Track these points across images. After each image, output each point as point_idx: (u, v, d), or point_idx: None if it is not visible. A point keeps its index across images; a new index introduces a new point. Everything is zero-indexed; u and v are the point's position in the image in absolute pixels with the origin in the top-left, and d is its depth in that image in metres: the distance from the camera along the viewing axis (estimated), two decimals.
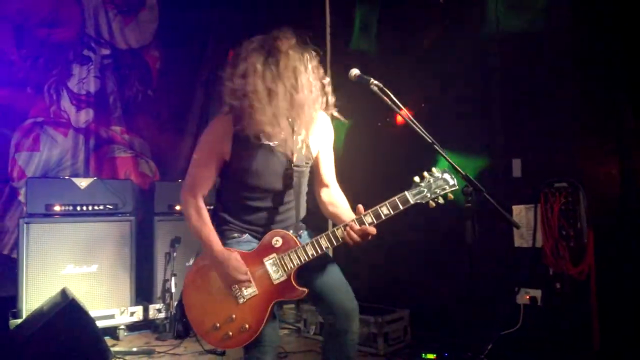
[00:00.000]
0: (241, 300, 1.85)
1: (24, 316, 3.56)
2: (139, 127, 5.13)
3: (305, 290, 1.90)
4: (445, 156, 2.12)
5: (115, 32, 5.07)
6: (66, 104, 4.75)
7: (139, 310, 4.03)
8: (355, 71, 2.13)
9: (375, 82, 2.11)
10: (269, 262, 1.88)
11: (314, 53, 1.93)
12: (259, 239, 1.93)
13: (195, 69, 5.47)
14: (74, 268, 3.86)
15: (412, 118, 2.05)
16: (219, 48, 5.56)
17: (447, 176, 1.86)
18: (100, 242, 3.97)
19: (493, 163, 3.23)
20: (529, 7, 3.13)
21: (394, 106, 2.11)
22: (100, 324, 3.50)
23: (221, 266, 1.85)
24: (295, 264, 1.87)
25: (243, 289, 1.85)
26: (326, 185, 2.09)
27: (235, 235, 1.95)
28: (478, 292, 2.41)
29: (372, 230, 1.83)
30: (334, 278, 2.03)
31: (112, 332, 3.92)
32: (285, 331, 4.06)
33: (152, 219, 4.23)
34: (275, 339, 1.96)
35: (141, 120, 5.15)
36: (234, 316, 1.85)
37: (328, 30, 4.70)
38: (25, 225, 3.72)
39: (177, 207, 4.29)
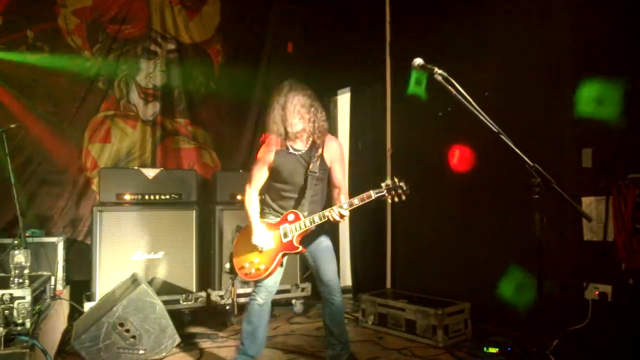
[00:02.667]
0: (261, 250, 2.81)
1: (97, 299, 3.80)
2: (202, 120, 5.30)
3: (302, 248, 2.79)
4: (513, 146, 2.06)
5: (179, 26, 5.25)
6: (135, 97, 4.99)
7: (202, 296, 4.18)
8: (418, 60, 2.12)
9: (440, 71, 2.07)
10: (281, 228, 2.82)
11: (312, 94, 2.80)
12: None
13: (255, 62, 5.57)
14: (142, 254, 4.06)
15: (478, 109, 2.00)
16: (278, 41, 5.65)
17: (403, 184, 2.58)
18: (166, 229, 4.15)
19: (562, 153, 3.07)
20: None
21: (458, 96, 2.06)
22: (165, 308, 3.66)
23: (253, 233, 2.83)
24: (297, 230, 2.77)
25: (264, 245, 2.80)
26: (336, 187, 2.90)
27: (270, 216, 2.91)
28: (544, 286, 2.31)
29: (345, 213, 2.65)
30: (326, 256, 2.89)
31: (178, 316, 4.10)
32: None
33: (215, 208, 4.36)
34: (272, 285, 2.88)
35: (204, 112, 5.32)
36: (256, 260, 2.83)
37: (388, 19, 4.63)
38: (98, 213, 3.95)
39: (238, 197, 4.40)
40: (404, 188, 2.56)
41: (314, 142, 2.79)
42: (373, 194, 2.58)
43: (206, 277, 4.35)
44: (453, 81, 2.07)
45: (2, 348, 2.32)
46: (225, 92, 5.39)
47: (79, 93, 4.71)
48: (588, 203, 2.88)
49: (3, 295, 2.46)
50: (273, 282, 2.87)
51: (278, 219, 2.85)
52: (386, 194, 2.57)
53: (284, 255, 2.81)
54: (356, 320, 4.02)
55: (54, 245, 3.94)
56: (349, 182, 4.90)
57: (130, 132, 4.94)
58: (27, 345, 2.37)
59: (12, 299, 2.46)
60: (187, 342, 3.52)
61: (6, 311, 2.43)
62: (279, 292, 4.30)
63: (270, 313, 2.99)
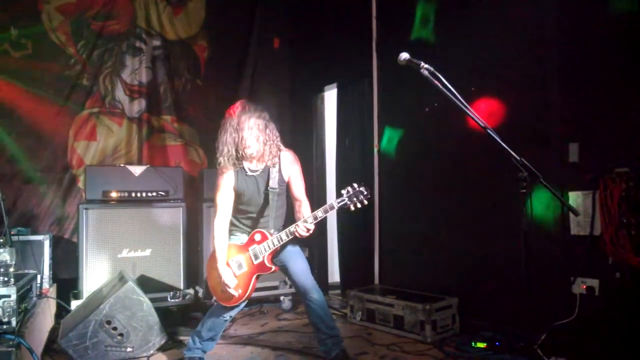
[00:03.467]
0: (237, 274, 2.84)
1: (84, 297, 3.76)
2: (189, 116, 5.25)
3: (275, 267, 2.86)
4: (499, 140, 2.08)
5: (164, 23, 5.20)
6: (120, 94, 4.93)
7: (190, 293, 4.16)
8: (404, 55, 2.13)
9: (426, 65, 2.09)
10: (250, 250, 2.85)
11: (266, 115, 2.84)
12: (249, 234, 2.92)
13: (242, 58, 5.55)
14: (129, 252, 4.02)
15: (465, 104, 2.02)
16: (264, 36, 5.63)
17: (363, 189, 2.64)
18: (153, 227, 4.12)
19: (548, 147, 3.10)
20: None
21: (445, 91, 2.08)
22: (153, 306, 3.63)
23: (220, 272, 2.84)
24: (266, 250, 2.82)
25: (237, 268, 2.85)
26: (297, 200, 2.93)
27: (237, 234, 2.96)
28: (532, 281, 2.34)
29: (311, 227, 2.69)
30: (298, 265, 2.90)
31: (165, 313, 4.07)
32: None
33: (202, 205, 4.34)
34: (242, 303, 2.93)
35: (190, 109, 5.27)
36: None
37: (374, 14, 4.64)
38: (84, 210, 3.91)
39: None
40: (365, 193, 2.61)
41: (269, 160, 2.83)
42: (335, 204, 2.63)
43: (194, 274, 4.32)
44: (440, 76, 2.09)
45: None
46: (211, 89, 5.36)
47: (63, 90, 4.64)
48: (575, 198, 2.91)
49: None
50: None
51: (246, 239, 2.88)
52: (348, 202, 2.61)
53: (258, 277, 2.85)
54: (344, 317, 4.03)
55: (40, 244, 3.89)
56: (337, 179, 4.94)
57: (116, 129, 4.88)
58: (13, 343, 2.33)
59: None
60: (175, 340, 3.50)
61: None
62: (267, 288, 4.38)
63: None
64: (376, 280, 4.49)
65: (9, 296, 2.48)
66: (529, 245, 2.23)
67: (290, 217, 2.99)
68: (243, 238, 2.91)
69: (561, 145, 3.01)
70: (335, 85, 5.12)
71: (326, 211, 2.64)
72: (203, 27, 5.42)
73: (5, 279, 2.55)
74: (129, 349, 3.13)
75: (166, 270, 4.14)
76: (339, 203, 2.62)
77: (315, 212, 2.67)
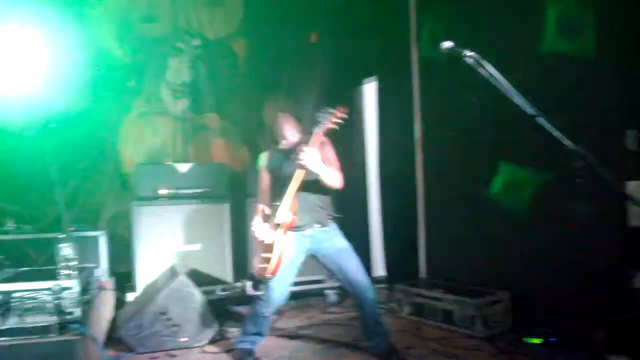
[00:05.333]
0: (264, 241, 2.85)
1: (139, 290, 3.90)
2: (230, 113, 5.35)
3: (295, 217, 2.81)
4: (553, 128, 2.01)
5: (204, 22, 5.30)
6: (164, 94, 5.07)
7: (238, 287, 4.25)
8: (447, 43, 2.06)
9: (471, 52, 2.03)
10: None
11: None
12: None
13: (279, 53, 5.57)
14: (180, 246, 4.14)
15: (514, 91, 1.96)
16: (301, 33, 5.63)
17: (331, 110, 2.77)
18: (201, 222, 4.22)
19: (605, 135, 2.99)
20: None
21: (491, 79, 2.02)
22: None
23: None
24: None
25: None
26: None
27: None
28: (589, 275, 2.26)
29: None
30: (352, 265, 2.91)
31: (215, 306, 4.17)
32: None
33: (246, 201, 4.41)
34: (278, 297, 2.95)
35: (232, 106, 5.36)
36: (266, 255, 2.79)
37: (412, 5, 4.59)
38: (136, 207, 4.05)
39: None
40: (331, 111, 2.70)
41: None
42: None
43: (241, 268, 4.40)
44: (486, 63, 2.02)
45: (55, 336, 2.41)
46: (250, 86, 5.43)
47: (111, 94, 4.81)
48: (634, 187, 2.80)
49: (53, 286, 2.54)
50: (279, 294, 2.93)
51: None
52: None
53: (285, 231, 2.76)
54: (392, 311, 4.02)
55: (97, 239, 4.05)
56: (379, 172, 4.93)
57: (162, 128, 5.02)
58: (78, 332, 2.45)
59: (62, 289, 2.55)
60: (226, 332, 3.58)
61: (56, 301, 2.51)
62: (312, 282, 4.40)
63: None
64: (422, 273, 4.45)
65: (72, 288, 2.60)
66: (585, 237, 2.15)
67: None
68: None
69: (619, 133, 2.90)
70: (374, 78, 5.09)
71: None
72: (241, 25, 5.49)
73: (69, 272, 2.68)
74: (183, 339, 3.24)
75: (215, 264, 4.23)
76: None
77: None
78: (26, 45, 4.05)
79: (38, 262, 3.66)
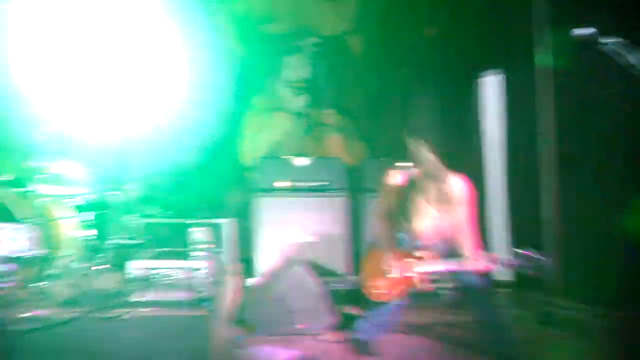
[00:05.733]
0: None
1: (258, 276, 4.09)
2: (348, 108, 5.41)
3: None
4: None
5: (321, 19, 5.42)
6: (283, 91, 5.29)
7: (355, 279, 4.26)
8: (582, 30, 1.85)
9: (612, 39, 1.80)
10: None
11: None
12: None
13: (395, 49, 5.51)
14: (298, 238, 4.27)
15: None
16: (417, 25, 5.50)
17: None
18: (318, 215, 4.31)
19: None
20: None
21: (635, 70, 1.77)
22: None
23: None
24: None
25: None
26: None
27: None
28: None
29: None
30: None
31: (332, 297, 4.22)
32: None
33: (363, 195, 4.43)
34: None
35: (349, 101, 5.43)
36: None
37: None
38: (256, 199, 4.26)
39: None
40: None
41: None
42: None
43: (357, 261, 4.41)
44: (630, 50, 1.78)
45: (189, 311, 2.62)
46: (367, 81, 5.43)
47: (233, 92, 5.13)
48: None
49: (186, 267, 2.76)
50: None
51: None
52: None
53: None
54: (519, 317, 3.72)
55: (224, 227, 4.31)
56: (502, 172, 4.65)
57: (281, 124, 5.24)
58: (208, 309, 2.63)
59: (194, 270, 2.75)
60: (342, 322, 3.60)
61: (189, 280, 2.72)
62: (439, 280, 4.24)
63: None
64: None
65: (202, 269, 2.80)
66: None
67: None
68: None
69: None
70: (495, 71, 4.82)
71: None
72: (357, 20, 5.53)
73: (199, 254, 2.89)
74: (301, 325, 3.32)
75: (331, 256, 4.29)
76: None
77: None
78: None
79: (176, 244, 4.03)
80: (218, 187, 5.06)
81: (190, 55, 4.67)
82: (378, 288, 2.90)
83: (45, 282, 3.00)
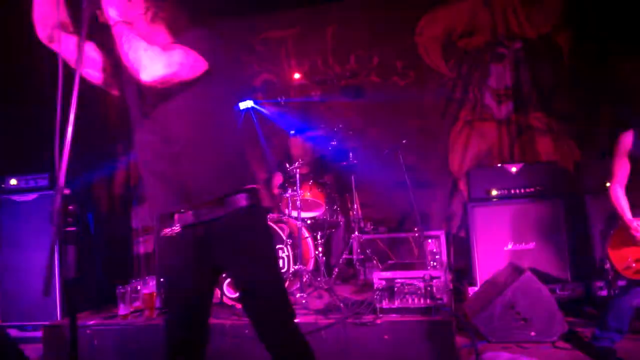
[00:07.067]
0: None
1: (479, 284, 4.26)
2: (556, 110, 5.23)
3: None
4: None
5: (523, 23, 5.36)
6: (488, 100, 5.37)
7: (579, 287, 4.15)
8: None
9: None
10: None
11: None
12: None
13: (606, 42, 5.12)
14: (514, 245, 4.33)
15: None
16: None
17: None
18: (534, 221, 4.31)
19: None
20: None
21: None
22: None
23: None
24: None
25: None
26: None
27: None
28: None
29: None
30: None
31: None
32: None
33: (582, 197, 4.27)
34: None
35: (557, 103, 5.24)
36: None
37: None
38: (471, 208, 4.44)
39: (607, 184, 4.16)
40: None
41: None
42: None
43: (583, 267, 4.28)
44: None
45: (432, 316, 2.96)
46: (577, 80, 5.17)
47: (440, 106, 5.40)
48: None
49: (425, 275, 3.11)
50: None
51: None
52: None
53: None
54: None
55: (436, 238, 4.62)
56: None
57: (487, 133, 5.33)
58: (448, 315, 2.94)
59: (431, 278, 3.09)
60: (573, 330, 3.56)
61: (428, 288, 3.07)
62: None
63: None
64: None
65: (439, 277, 3.12)
66: None
67: None
68: None
69: None
70: None
71: None
72: (562, 17, 5.30)
73: (435, 264, 3.22)
74: (532, 333, 3.41)
75: (551, 263, 4.25)
76: None
77: None
78: None
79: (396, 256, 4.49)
80: (430, 199, 5.36)
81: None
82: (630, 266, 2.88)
83: (301, 294, 3.64)
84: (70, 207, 1.24)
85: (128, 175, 5.57)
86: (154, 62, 1.63)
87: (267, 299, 1.85)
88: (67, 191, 3.75)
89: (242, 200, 1.83)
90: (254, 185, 1.89)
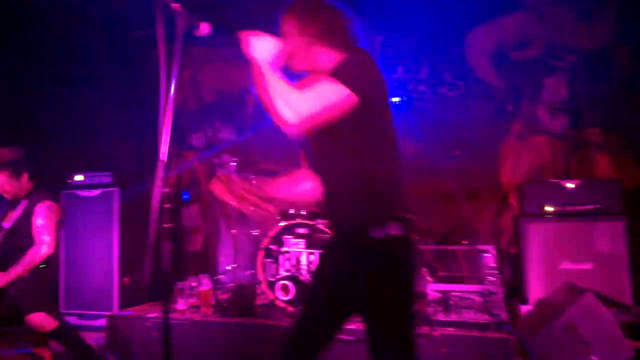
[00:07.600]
0: None
1: (531, 302, 4.07)
2: (614, 125, 5.02)
3: None
4: None
5: (580, 34, 5.18)
6: (542, 114, 5.20)
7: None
8: None
9: None
10: None
11: None
12: None
13: None
14: (570, 264, 4.13)
15: None
16: None
17: None
18: (592, 240, 4.11)
19: None
20: None
21: None
22: None
23: None
24: None
25: None
26: None
27: None
28: None
29: None
30: None
31: None
32: None
33: None
34: None
35: (616, 118, 5.02)
36: None
37: None
38: (525, 224, 4.28)
39: None
40: None
41: None
42: None
43: None
44: None
45: (493, 333, 2.84)
46: (637, 94, 4.95)
47: (491, 119, 5.27)
48: None
49: (482, 289, 2.99)
50: None
51: None
52: None
53: None
54: None
55: (485, 253, 4.46)
56: None
57: (541, 147, 5.16)
58: (509, 332, 2.81)
59: (489, 293, 2.97)
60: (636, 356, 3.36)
61: (486, 303, 2.95)
62: None
63: None
64: None
65: (496, 293, 3.00)
66: None
67: None
68: None
69: None
70: None
71: None
72: (620, 29, 5.11)
73: (492, 278, 3.10)
74: (593, 358, 3.23)
75: (610, 285, 4.02)
76: None
77: None
78: None
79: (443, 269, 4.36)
80: (478, 212, 5.22)
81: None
82: None
83: None
84: (167, 205, 1.23)
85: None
86: (294, 111, 1.54)
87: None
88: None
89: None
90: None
